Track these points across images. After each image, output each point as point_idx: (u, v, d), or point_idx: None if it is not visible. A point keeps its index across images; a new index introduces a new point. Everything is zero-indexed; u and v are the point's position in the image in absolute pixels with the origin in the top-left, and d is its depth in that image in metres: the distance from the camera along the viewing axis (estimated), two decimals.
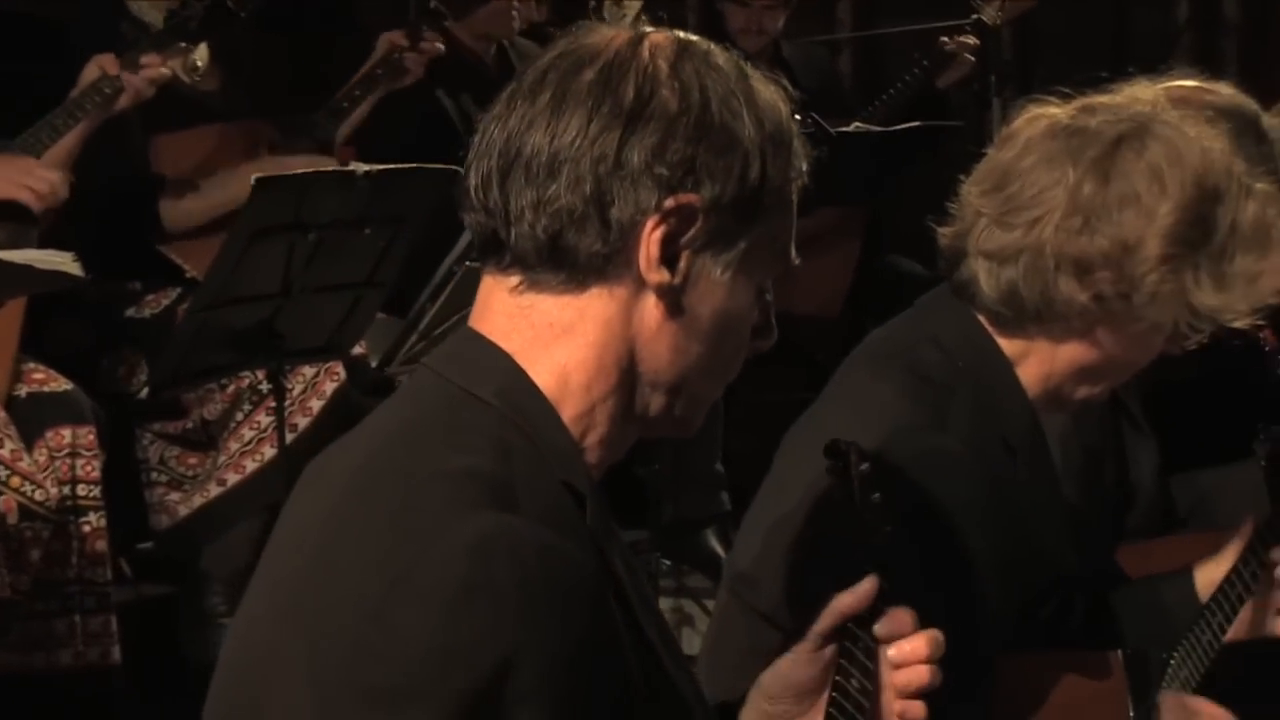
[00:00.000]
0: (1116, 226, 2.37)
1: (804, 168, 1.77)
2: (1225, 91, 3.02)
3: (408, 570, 1.56)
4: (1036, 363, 2.47)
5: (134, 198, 4.59)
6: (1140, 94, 2.54)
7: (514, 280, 1.73)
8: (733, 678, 2.39)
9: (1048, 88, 2.56)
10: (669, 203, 1.69)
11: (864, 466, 1.98)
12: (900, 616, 1.97)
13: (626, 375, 1.72)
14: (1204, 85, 3.01)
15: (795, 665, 1.99)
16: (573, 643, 1.56)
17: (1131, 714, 2.43)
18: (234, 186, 4.46)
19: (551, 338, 1.71)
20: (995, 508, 2.34)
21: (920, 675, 1.95)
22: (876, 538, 1.99)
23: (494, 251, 1.73)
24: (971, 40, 6.10)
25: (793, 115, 1.78)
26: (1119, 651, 2.47)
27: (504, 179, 1.71)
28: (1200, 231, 2.39)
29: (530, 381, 1.71)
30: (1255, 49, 7.31)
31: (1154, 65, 3.12)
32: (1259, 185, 2.46)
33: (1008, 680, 2.39)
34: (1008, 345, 2.47)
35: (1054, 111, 2.47)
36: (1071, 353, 2.45)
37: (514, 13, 5.64)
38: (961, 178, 2.51)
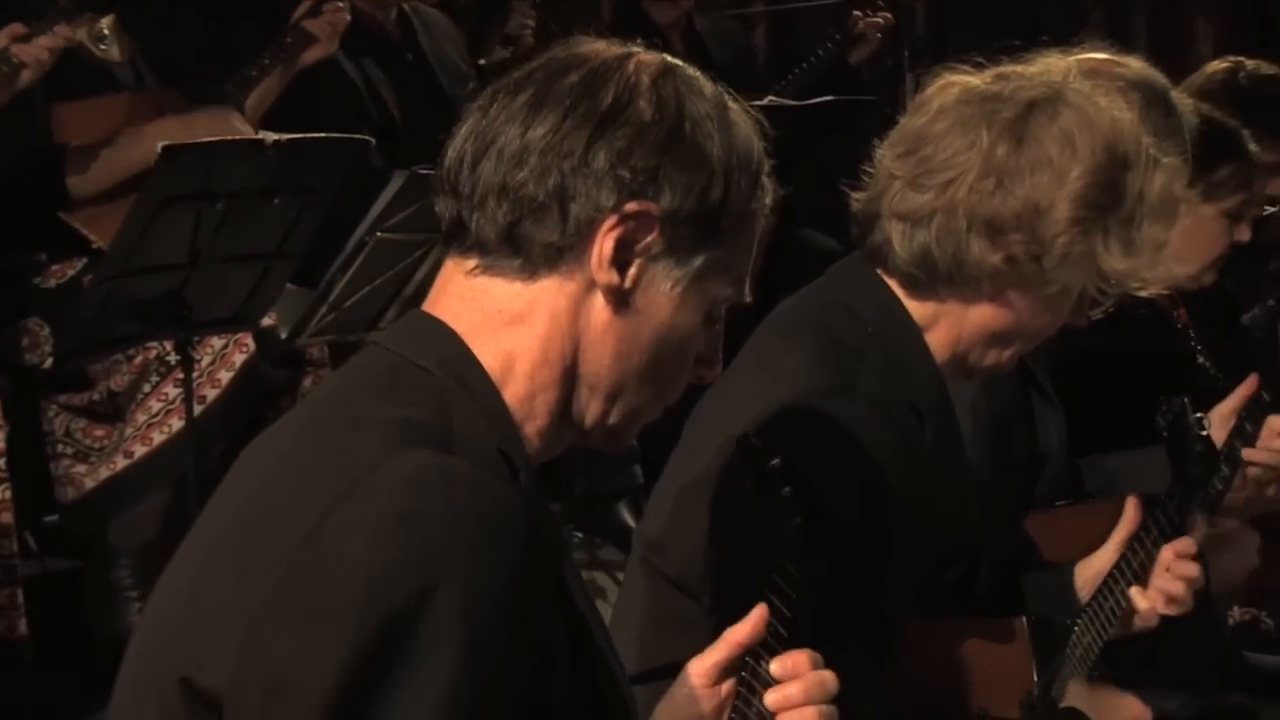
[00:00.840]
0: (1028, 189, 2.39)
1: (769, 203, 1.81)
2: (1135, 65, 3.05)
3: (343, 498, 1.59)
4: (946, 327, 2.48)
5: (38, 167, 4.53)
6: (1053, 64, 2.56)
7: (471, 263, 1.77)
8: (639, 644, 2.40)
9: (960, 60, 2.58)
10: (628, 206, 1.74)
11: (774, 462, 1.98)
12: (798, 659, 1.96)
13: (568, 372, 1.76)
14: (1114, 58, 3.04)
15: (691, 700, 1.98)
16: (498, 579, 1.58)
17: (1035, 679, 2.45)
18: (138, 149, 4.41)
19: (501, 323, 1.75)
20: (902, 472, 2.35)
21: (807, 717, 1.94)
22: (786, 530, 1.99)
23: (457, 235, 1.77)
24: (881, 18, 6.12)
25: (765, 152, 1.82)
26: (1023, 618, 2.49)
27: (475, 164, 1.76)
28: (1110, 196, 2.41)
29: (475, 359, 1.74)
30: (1164, 24, 7.37)
31: (1065, 40, 3.14)
32: (1166, 159, 2.49)
33: (913, 646, 2.40)
34: (918, 310, 2.48)
35: (968, 79, 2.49)
36: (982, 316, 2.47)
37: None
38: (876, 142, 2.52)
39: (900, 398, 2.44)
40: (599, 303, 1.76)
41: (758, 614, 1.95)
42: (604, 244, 1.74)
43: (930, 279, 2.45)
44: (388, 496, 1.59)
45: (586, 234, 1.74)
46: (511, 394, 1.75)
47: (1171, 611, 2.63)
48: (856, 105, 5.63)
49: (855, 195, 2.51)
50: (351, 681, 1.54)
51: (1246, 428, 3.05)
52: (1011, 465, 3.00)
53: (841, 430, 2.34)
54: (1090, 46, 3.04)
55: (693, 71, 1.81)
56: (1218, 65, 4.30)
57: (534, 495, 1.71)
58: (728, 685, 1.97)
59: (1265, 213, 4.86)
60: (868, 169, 2.50)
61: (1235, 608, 3.59)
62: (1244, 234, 3.62)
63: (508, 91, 1.78)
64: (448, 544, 1.57)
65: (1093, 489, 3.27)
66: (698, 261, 1.76)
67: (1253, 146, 3.59)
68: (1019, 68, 2.51)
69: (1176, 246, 3.50)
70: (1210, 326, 3.90)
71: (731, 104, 1.81)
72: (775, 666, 1.95)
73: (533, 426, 1.76)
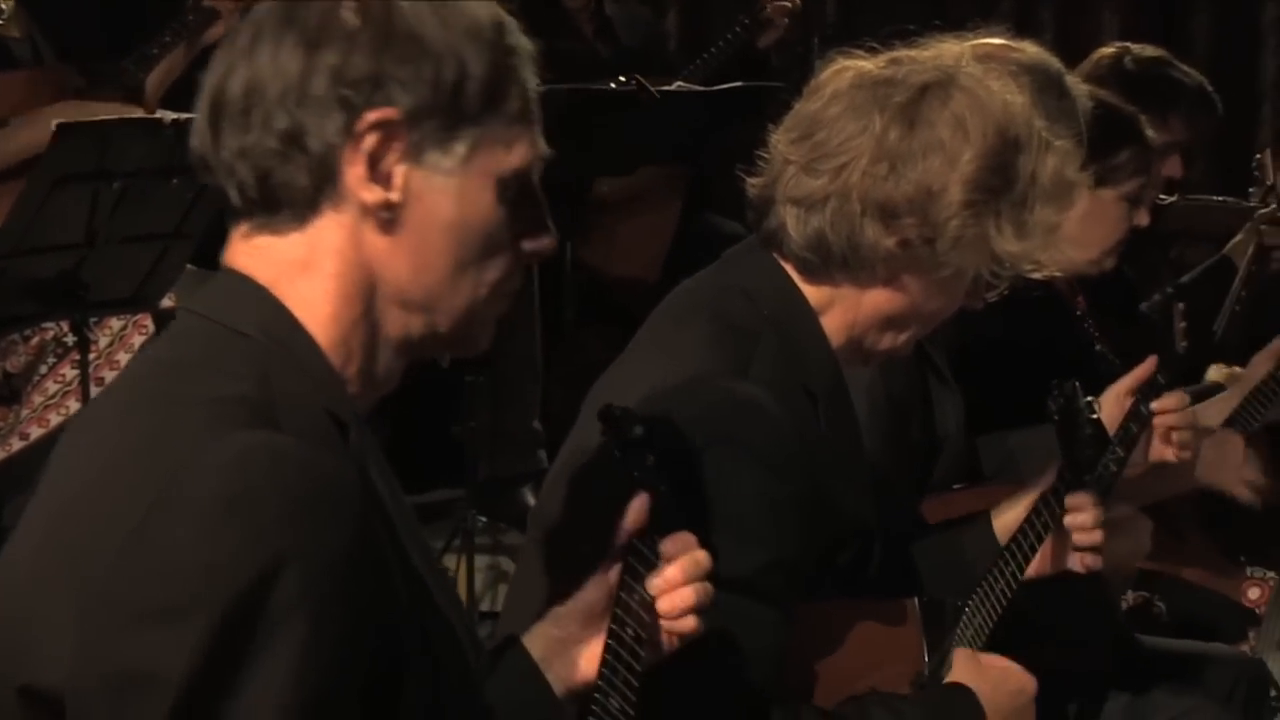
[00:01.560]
0: (921, 172, 2.40)
1: (523, 58, 1.74)
2: (1030, 49, 3.07)
3: (168, 489, 1.55)
4: (841, 311, 2.48)
5: None
6: (947, 49, 2.57)
7: (245, 227, 1.73)
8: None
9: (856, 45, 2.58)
10: (362, 122, 1.68)
11: (638, 430, 1.98)
12: (685, 539, 1.98)
13: (372, 300, 1.71)
14: (1010, 43, 3.05)
15: (579, 592, 2.00)
16: (336, 551, 1.55)
17: (926, 660, 2.46)
18: (32, 130, 4.35)
19: (294, 274, 1.70)
20: (794, 454, 2.35)
21: (685, 597, 1.96)
22: (653, 501, 1.99)
23: (226, 201, 1.73)
24: (788, 3, 6.12)
25: (495, 10, 1.75)
26: (914, 599, 2.50)
27: (215, 132, 1.71)
28: (1002, 179, 2.42)
29: (290, 315, 1.70)
30: (1071, 16, 7.42)
31: (972, 22, 3.15)
32: (1058, 142, 2.50)
33: (804, 627, 2.40)
34: (814, 294, 2.48)
35: (861, 64, 2.49)
36: (876, 300, 2.47)
37: None
38: (772, 128, 2.52)
39: (794, 380, 2.43)
40: (376, 224, 1.70)
41: (639, 503, 1.94)
42: (355, 165, 1.68)
43: (825, 263, 2.45)
44: (215, 481, 1.55)
45: (334, 162, 1.69)
46: (326, 341, 1.69)
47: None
48: (764, 91, 5.63)
49: (751, 180, 2.50)
50: (204, 671, 1.51)
51: (1142, 410, 3.07)
52: (909, 448, 3.01)
53: (733, 411, 2.34)
54: (986, 32, 3.06)
55: None
56: (1105, 51, 4.34)
57: (366, 451, 1.68)
58: (615, 572, 1.97)
59: (1165, 201, 4.91)
60: (763, 154, 2.50)
61: (1129, 592, 3.63)
62: (1143, 219, 3.65)
63: (228, 43, 1.73)
64: (281, 524, 1.53)
65: (990, 467, 3.29)
66: (461, 147, 1.70)
67: (1151, 133, 3.61)
68: (912, 52, 2.51)
69: (1076, 231, 3.52)
70: (1109, 313, 3.93)
71: None
72: (666, 545, 1.95)
73: (354, 367, 1.71)
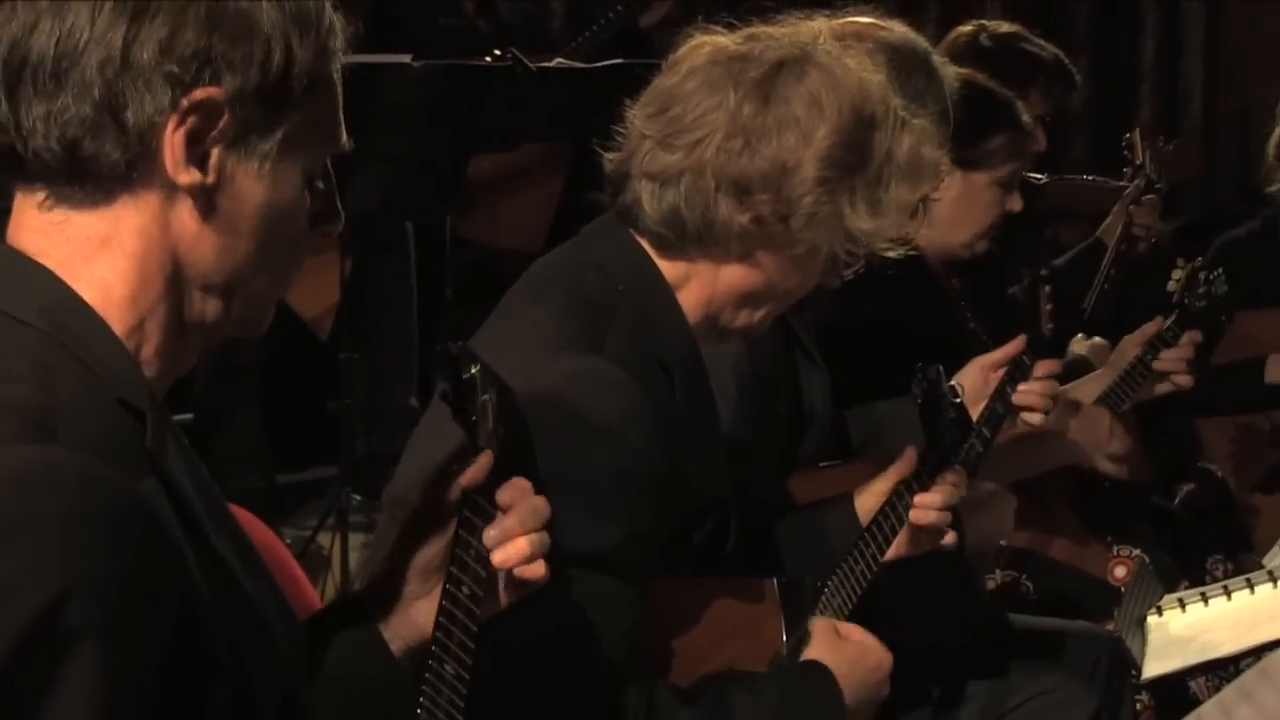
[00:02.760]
0: (775, 149, 2.39)
1: (339, 44, 1.71)
2: (898, 29, 3.07)
3: None
4: (698, 287, 2.47)
5: None
6: (805, 26, 2.56)
7: (40, 195, 1.64)
8: None
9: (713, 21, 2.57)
10: (187, 99, 1.62)
11: (474, 369, 1.94)
12: (520, 485, 1.93)
13: (173, 283, 1.66)
14: (878, 22, 3.05)
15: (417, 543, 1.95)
16: (124, 573, 1.49)
17: (785, 639, 2.46)
18: None
19: (90, 251, 1.64)
20: (650, 429, 2.34)
21: (520, 548, 1.91)
22: (490, 440, 1.94)
23: (14, 167, 1.64)
24: None
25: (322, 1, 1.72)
26: (774, 579, 2.49)
27: (11, 91, 1.61)
28: (856, 157, 2.41)
29: (77, 297, 1.62)
30: None
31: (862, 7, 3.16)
32: (916, 120, 2.50)
33: (662, 605, 2.39)
34: (670, 269, 2.47)
35: (718, 39, 2.48)
36: (732, 276, 2.46)
37: None
38: (628, 102, 2.51)
39: (649, 355, 2.42)
40: (186, 205, 1.64)
41: (484, 459, 1.90)
42: (173, 145, 1.61)
43: (680, 239, 2.44)
44: None
45: (152, 139, 1.61)
46: (119, 323, 1.63)
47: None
48: (646, 69, 5.61)
49: (608, 155, 2.49)
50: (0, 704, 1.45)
51: (1008, 390, 3.09)
52: (775, 425, 3.01)
53: (587, 385, 2.33)
54: (855, 11, 3.06)
55: None
56: (962, 29, 4.37)
57: (165, 437, 1.62)
58: (450, 525, 1.93)
59: (1039, 180, 4.95)
60: (620, 129, 2.48)
61: (997, 570, 3.65)
62: (1015, 204, 3.67)
63: None
64: (62, 552, 1.46)
65: (858, 439, 3.30)
66: (280, 133, 1.65)
67: (1026, 118, 3.64)
68: (770, 29, 2.50)
69: (949, 214, 3.57)
70: (982, 293, 3.95)
71: None
72: (502, 494, 1.90)
73: (150, 348, 1.65)
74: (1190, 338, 3.70)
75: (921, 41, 3.08)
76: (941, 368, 2.76)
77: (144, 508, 1.53)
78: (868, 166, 2.42)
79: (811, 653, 2.46)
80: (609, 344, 2.39)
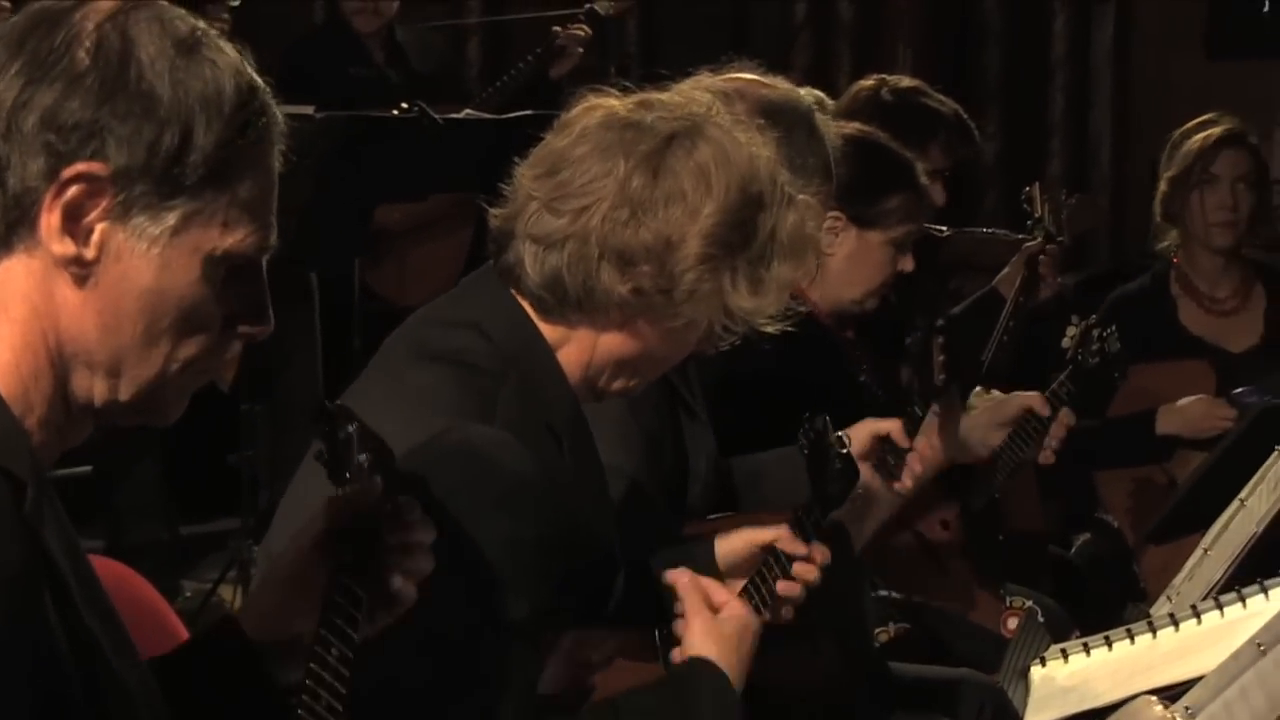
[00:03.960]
0: (661, 222, 2.39)
1: (266, 139, 1.67)
2: (782, 86, 3.08)
3: None
4: (577, 350, 2.47)
5: None
6: (698, 91, 2.56)
7: None
8: None
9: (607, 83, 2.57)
10: (67, 171, 1.60)
11: (351, 427, 1.92)
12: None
13: (55, 355, 1.63)
14: (761, 79, 3.07)
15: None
16: None
17: None
18: None
19: None
20: (544, 494, 2.34)
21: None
22: (367, 497, 1.92)
23: None
24: (580, 31, 6.14)
25: (249, 85, 1.68)
26: (655, 630, 2.53)
27: None
28: (740, 235, 2.42)
29: None
30: (868, 49, 7.53)
31: (773, 61, 3.18)
32: (801, 196, 2.50)
33: (549, 658, 2.40)
34: (550, 331, 2.47)
35: (612, 103, 2.47)
36: (611, 343, 2.47)
37: None
38: (518, 161, 2.51)
39: (538, 419, 2.42)
40: (68, 277, 1.61)
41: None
42: (50, 215, 1.59)
43: (560, 303, 2.44)
44: None
45: (31, 206, 1.59)
46: (6, 391, 1.61)
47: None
48: (555, 120, 5.63)
49: (494, 212, 2.49)
50: None
51: (889, 460, 3.14)
52: (662, 481, 3.02)
53: (481, 454, 2.30)
54: (739, 67, 3.08)
55: (165, 10, 1.64)
56: (863, 84, 4.41)
57: (43, 508, 1.59)
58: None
59: (944, 233, 4.99)
60: (507, 186, 2.48)
61: (890, 623, 3.66)
62: (907, 264, 3.70)
63: None
64: None
65: (741, 487, 3.31)
66: (171, 217, 1.61)
67: (924, 181, 3.67)
68: (664, 96, 2.50)
69: (842, 270, 3.61)
70: (880, 346, 3.98)
71: (215, 41, 1.66)
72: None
73: (34, 419, 1.62)
74: (1065, 418, 3.74)
75: (804, 99, 3.10)
76: (828, 418, 2.78)
77: (14, 582, 1.50)
78: (751, 245, 2.42)
79: (692, 646, 2.45)
80: (500, 412, 2.38)
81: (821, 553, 2.67)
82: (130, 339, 1.64)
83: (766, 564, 2.68)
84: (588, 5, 6.10)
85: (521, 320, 2.47)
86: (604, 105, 2.47)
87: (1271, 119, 8.28)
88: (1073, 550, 4.66)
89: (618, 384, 2.51)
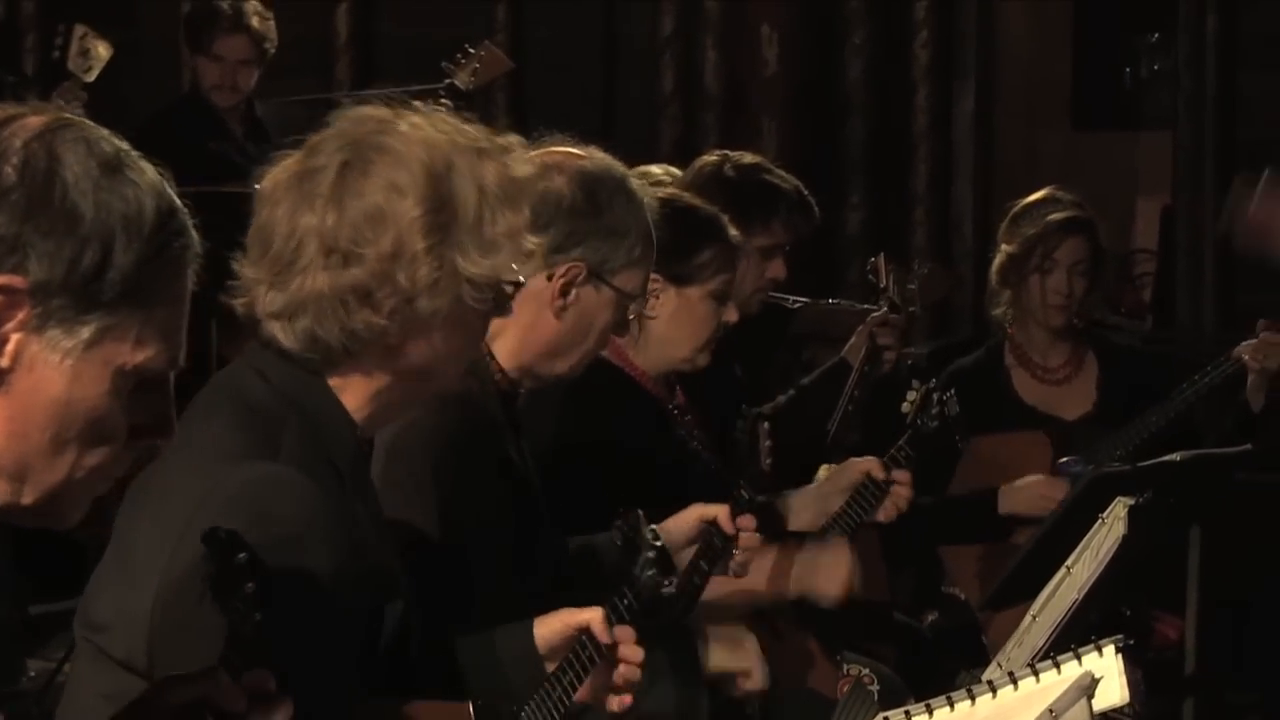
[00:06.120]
0: (373, 245, 2.41)
1: (182, 259, 1.72)
2: (598, 156, 3.12)
3: None
4: (364, 384, 2.48)
5: None
6: (366, 109, 2.52)
7: None
8: (89, 718, 2.32)
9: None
10: None
11: (241, 556, 1.93)
12: (262, 678, 1.87)
13: None
14: (575, 150, 3.11)
15: None
16: None
17: None
18: None
19: None
20: (334, 530, 2.35)
21: None
22: (247, 626, 1.92)
23: None
24: (446, 104, 6.15)
25: (169, 207, 1.72)
26: (469, 704, 2.55)
27: None
28: (449, 211, 2.44)
29: None
30: (733, 122, 7.60)
31: (641, 132, 3.21)
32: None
33: None
34: (333, 380, 2.48)
35: (285, 162, 2.48)
36: (400, 366, 2.48)
37: None
38: (239, 254, 2.48)
39: (321, 457, 2.43)
40: None
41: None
42: None
43: (329, 358, 2.45)
44: None
45: None
46: None
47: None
48: None
49: (235, 302, 2.48)
50: None
51: (716, 543, 3.20)
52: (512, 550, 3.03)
53: (270, 493, 2.32)
54: (554, 140, 3.11)
55: (90, 130, 1.71)
56: (706, 159, 4.45)
57: None
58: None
59: (797, 304, 5.03)
60: (234, 280, 2.47)
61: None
62: (731, 315, 3.74)
63: None
64: None
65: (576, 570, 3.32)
66: (86, 331, 1.67)
67: (733, 231, 3.71)
68: (330, 130, 2.48)
69: (666, 331, 3.63)
70: (716, 408, 3.99)
71: (138, 162, 1.72)
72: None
73: None
74: (902, 478, 3.78)
75: (619, 167, 3.14)
76: (641, 513, 2.82)
77: None
78: (462, 215, 2.44)
79: None
80: (285, 451, 2.38)
81: (629, 644, 2.72)
82: (38, 446, 1.68)
83: (581, 645, 2.71)
84: (447, 81, 6.11)
85: (299, 366, 2.47)
86: (275, 170, 2.48)
87: (1135, 188, 8.44)
88: (925, 625, 4.69)
89: (428, 390, 2.54)
